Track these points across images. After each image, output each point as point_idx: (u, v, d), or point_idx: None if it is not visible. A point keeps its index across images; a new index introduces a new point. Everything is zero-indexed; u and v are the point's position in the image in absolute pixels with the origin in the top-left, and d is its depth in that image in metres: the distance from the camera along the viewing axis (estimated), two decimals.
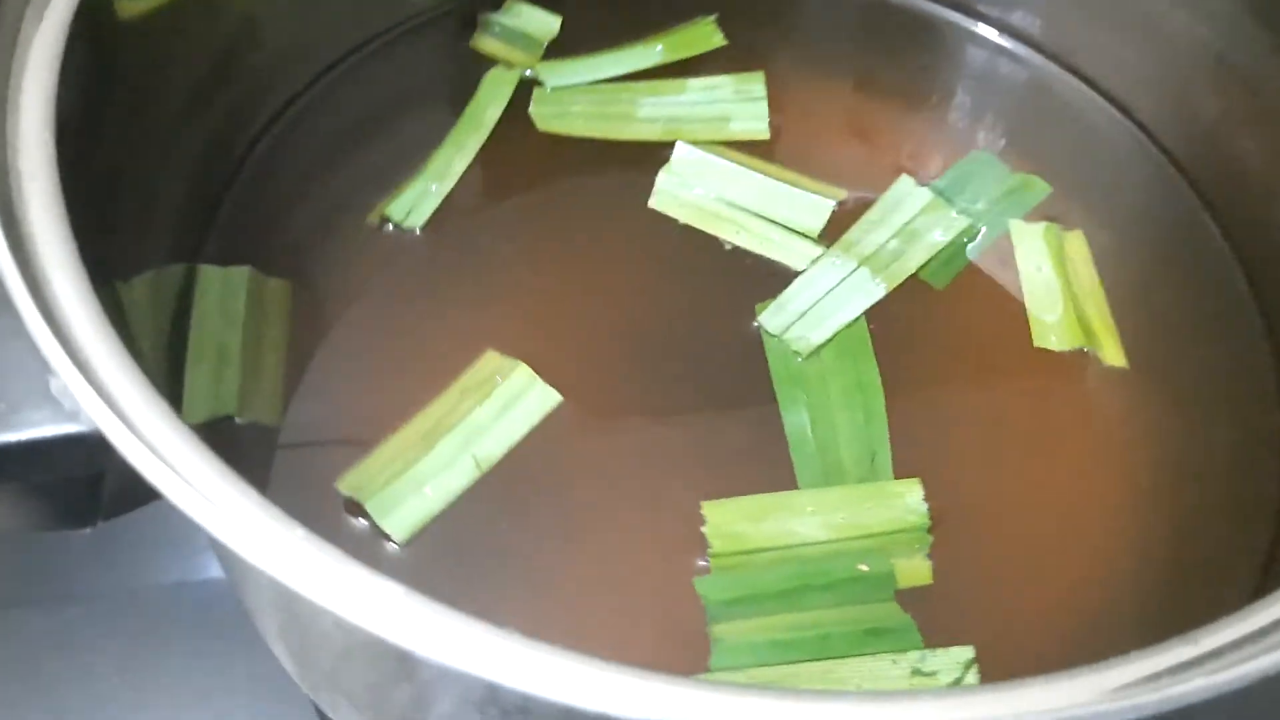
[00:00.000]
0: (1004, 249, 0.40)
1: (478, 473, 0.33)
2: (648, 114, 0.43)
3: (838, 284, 0.38)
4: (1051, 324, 0.38)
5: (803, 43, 0.46)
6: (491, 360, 0.35)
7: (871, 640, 0.31)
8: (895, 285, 0.39)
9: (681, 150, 0.41)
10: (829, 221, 0.40)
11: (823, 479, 0.34)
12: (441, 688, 0.24)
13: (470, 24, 0.44)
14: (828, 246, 0.39)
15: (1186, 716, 0.21)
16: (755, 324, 0.37)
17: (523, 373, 0.35)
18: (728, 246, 0.39)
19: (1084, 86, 0.44)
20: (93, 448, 0.24)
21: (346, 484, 0.33)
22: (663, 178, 0.40)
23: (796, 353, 0.36)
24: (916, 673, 0.30)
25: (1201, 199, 0.42)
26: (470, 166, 0.40)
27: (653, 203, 0.40)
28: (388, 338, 0.36)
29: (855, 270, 0.39)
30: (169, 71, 0.35)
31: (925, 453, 0.34)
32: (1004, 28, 0.45)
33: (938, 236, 0.40)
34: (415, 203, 0.39)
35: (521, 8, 0.44)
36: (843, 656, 0.31)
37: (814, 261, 0.39)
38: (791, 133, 0.43)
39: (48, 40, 0.28)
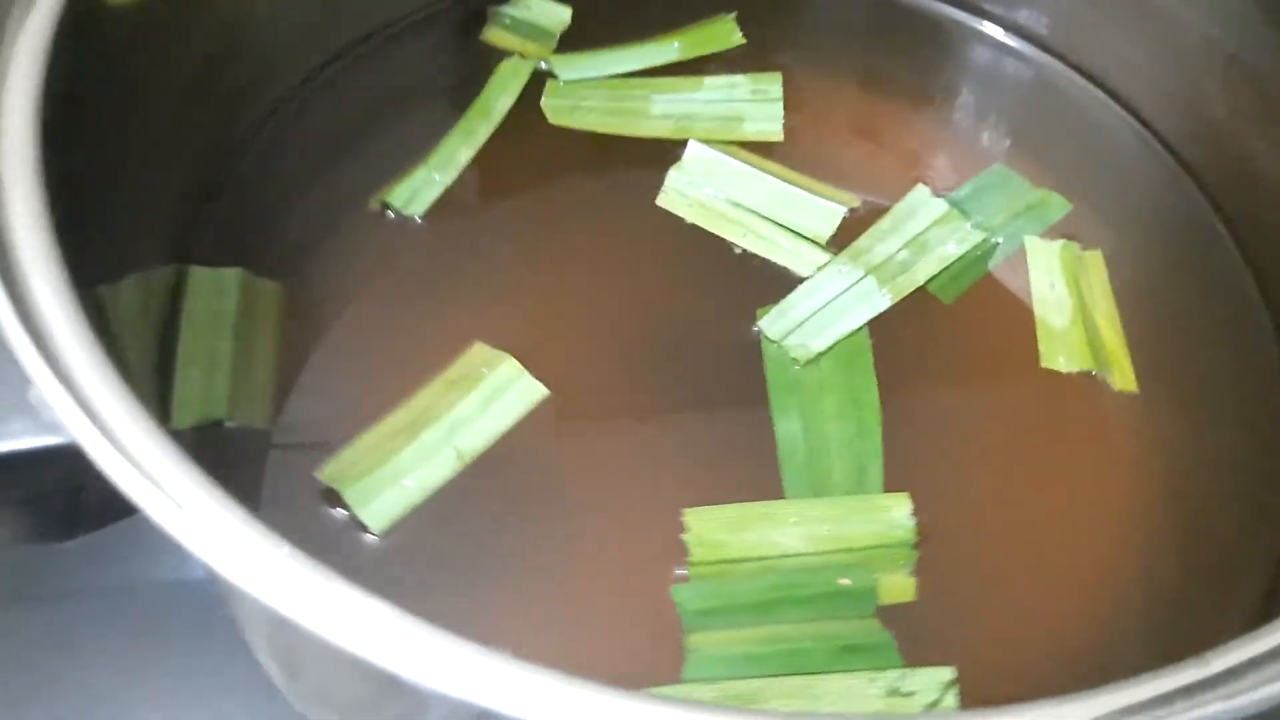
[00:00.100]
0: (1018, 265, 0.40)
1: (460, 465, 0.34)
2: (661, 111, 0.43)
3: (842, 292, 0.38)
4: (1061, 345, 0.38)
5: (813, 43, 0.46)
6: (480, 352, 0.36)
7: (849, 657, 0.31)
8: (902, 297, 0.38)
9: (694, 149, 0.41)
10: (840, 227, 0.40)
11: (810, 490, 0.34)
12: (431, 707, 0.24)
13: (474, 19, 0.44)
14: (836, 253, 0.39)
15: None
16: (755, 329, 0.37)
17: (510, 365, 0.35)
18: (737, 250, 0.39)
19: (1090, 85, 0.44)
20: (72, 460, 0.24)
21: (326, 473, 0.33)
22: (673, 175, 0.41)
23: (795, 360, 0.36)
24: (894, 692, 0.30)
25: (1209, 199, 0.42)
26: (477, 157, 0.41)
27: (660, 200, 0.40)
28: (382, 336, 0.37)
29: (862, 279, 0.39)
30: (160, 71, 0.35)
31: (919, 468, 0.34)
32: (1010, 26, 0.45)
33: (950, 249, 0.40)
34: (417, 190, 0.40)
35: (532, 0, 0.44)
36: (818, 673, 0.31)
37: (820, 268, 0.39)
38: (806, 135, 0.43)
39: (33, 40, 0.28)
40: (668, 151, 0.41)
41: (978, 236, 0.40)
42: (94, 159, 0.31)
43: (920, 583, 0.32)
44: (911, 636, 0.31)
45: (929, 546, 0.33)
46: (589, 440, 0.35)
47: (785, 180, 0.41)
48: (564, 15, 0.44)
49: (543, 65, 0.43)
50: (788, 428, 0.35)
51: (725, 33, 0.45)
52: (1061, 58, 0.45)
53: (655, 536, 0.33)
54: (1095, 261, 0.40)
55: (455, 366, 0.35)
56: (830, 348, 0.37)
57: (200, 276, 0.36)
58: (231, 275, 0.36)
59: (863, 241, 0.40)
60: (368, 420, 0.34)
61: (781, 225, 0.40)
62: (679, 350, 0.37)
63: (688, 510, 0.33)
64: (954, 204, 0.41)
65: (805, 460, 0.34)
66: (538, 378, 0.35)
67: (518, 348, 0.36)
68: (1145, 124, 0.43)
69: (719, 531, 0.32)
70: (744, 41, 0.45)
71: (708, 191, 0.40)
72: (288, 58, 0.41)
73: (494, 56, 0.43)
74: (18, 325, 0.24)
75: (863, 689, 0.30)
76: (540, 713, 0.20)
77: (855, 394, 0.36)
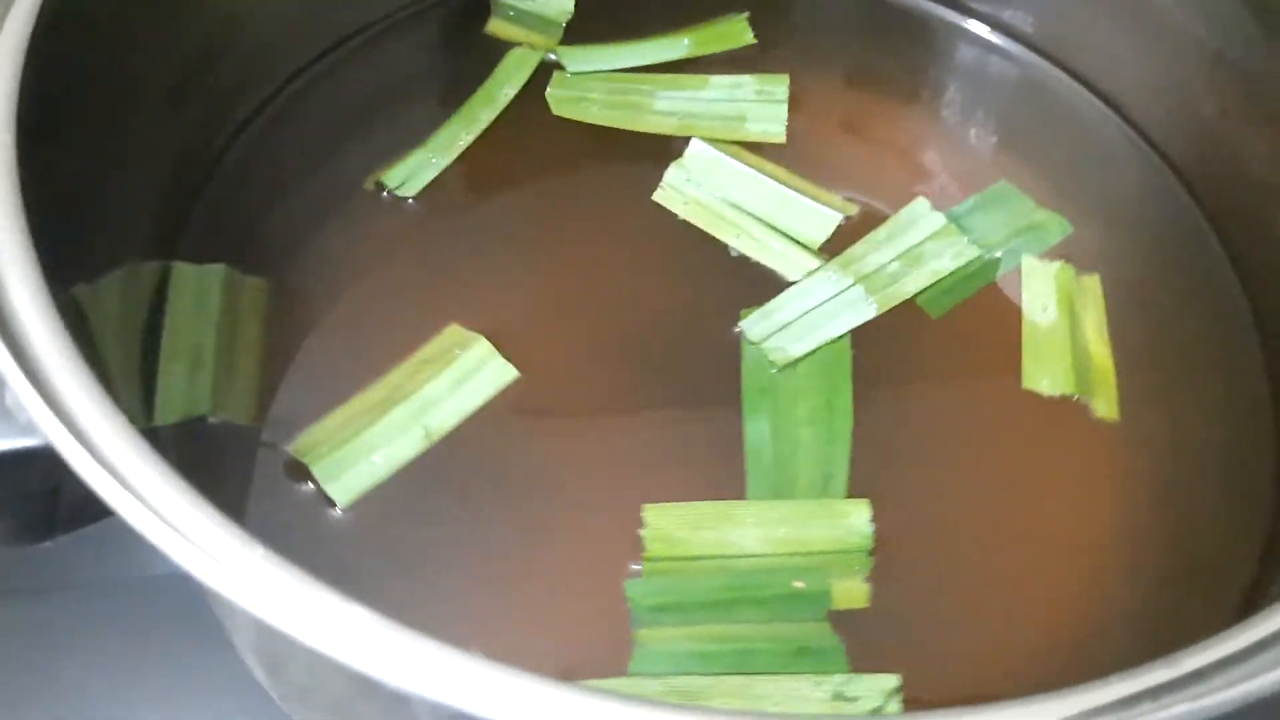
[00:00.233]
0: (1011, 284, 0.41)
1: (427, 443, 0.35)
2: (664, 107, 0.44)
3: (828, 299, 0.39)
4: (1046, 367, 0.39)
5: (807, 42, 0.47)
6: (454, 333, 0.37)
7: (796, 660, 0.32)
8: (888, 308, 0.39)
9: (696, 146, 0.42)
10: (836, 234, 0.41)
11: (773, 493, 0.35)
12: (409, 707, 0.25)
13: (477, 12, 0.46)
14: (828, 260, 0.40)
15: None
16: (737, 330, 0.38)
17: (481, 346, 0.36)
18: (734, 253, 0.41)
19: (1076, 84, 0.46)
20: (48, 462, 0.24)
21: (296, 447, 0.35)
22: (671, 172, 0.42)
23: (772, 363, 0.38)
24: (838, 696, 0.31)
25: (1194, 198, 0.43)
26: (476, 143, 0.42)
27: (657, 196, 0.41)
28: (367, 318, 0.38)
29: (850, 287, 0.40)
30: (145, 68, 0.36)
31: (885, 478, 0.35)
32: (997, 25, 0.47)
33: (943, 264, 0.41)
34: (413, 172, 0.41)
35: None
36: (765, 673, 0.32)
37: (810, 274, 0.40)
38: (808, 137, 0.44)
39: (12, 34, 0.29)
40: (669, 148, 0.43)
41: (973, 253, 0.41)
42: (75, 157, 0.32)
43: (874, 590, 0.33)
44: (862, 643, 0.32)
45: (886, 555, 0.34)
46: (558, 428, 0.36)
47: (784, 183, 0.42)
48: (567, 5, 0.45)
49: (551, 57, 0.45)
50: (757, 430, 0.36)
51: (737, 32, 0.46)
52: (1047, 55, 0.46)
53: (614, 529, 0.34)
54: (1093, 286, 0.41)
55: (429, 346, 0.37)
56: (809, 353, 0.38)
57: (184, 273, 0.37)
58: (215, 272, 0.37)
59: (856, 249, 0.41)
60: (344, 399, 0.36)
61: (775, 228, 0.41)
62: (658, 345, 0.38)
63: (648, 506, 0.34)
64: (953, 219, 0.42)
65: (771, 463, 0.35)
66: (514, 363, 0.36)
67: (496, 332, 0.37)
68: (1130, 122, 0.45)
69: (677, 528, 0.33)
70: (755, 41, 0.46)
71: (705, 190, 0.42)
72: (279, 53, 0.42)
73: (495, 50, 0.45)
74: None
75: (807, 692, 0.31)
76: (517, 715, 0.20)
77: (829, 401, 0.37)
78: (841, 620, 0.33)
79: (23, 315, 0.25)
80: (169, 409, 0.34)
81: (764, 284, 0.40)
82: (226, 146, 0.41)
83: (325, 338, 0.37)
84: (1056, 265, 0.41)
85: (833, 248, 0.41)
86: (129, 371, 0.34)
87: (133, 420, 0.24)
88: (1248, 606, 0.34)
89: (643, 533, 0.34)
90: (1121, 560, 0.35)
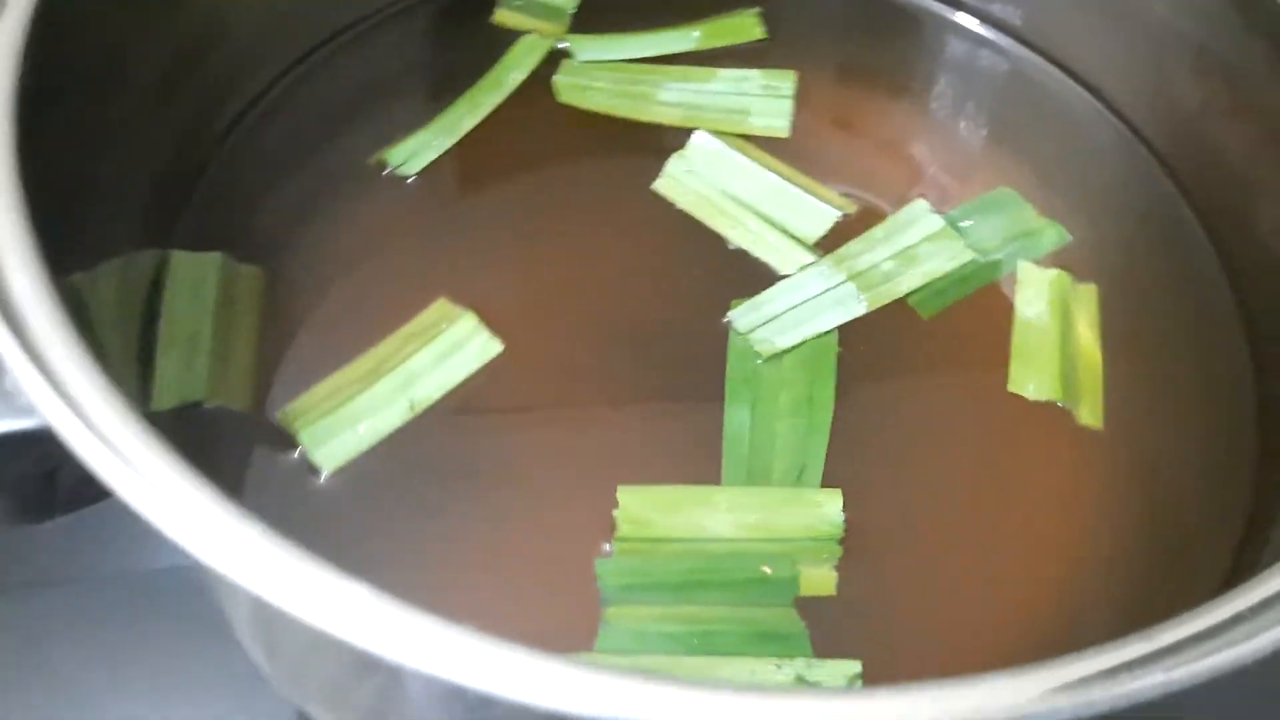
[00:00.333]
0: (1005, 289, 0.42)
1: (411, 414, 0.36)
2: (669, 98, 0.45)
3: (819, 294, 0.40)
4: (1033, 372, 0.39)
5: (826, 42, 0.48)
6: (441, 307, 0.38)
7: (760, 643, 0.33)
8: (879, 306, 0.40)
9: (699, 138, 0.44)
10: (833, 231, 0.42)
11: (748, 481, 0.36)
12: (405, 684, 0.26)
13: (468, 6, 0.47)
14: (823, 255, 0.41)
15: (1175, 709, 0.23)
16: (725, 320, 0.40)
17: (468, 320, 0.38)
18: (732, 246, 0.42)
19: (1065, 77, 0.47)
20: (46, 444, 0.25)
21: (284, 415, 0.36)
22: (673, 162, 0.43)
23: (757, 354, 0.39)
24: (799, 680, 0.32)
25: (1181, 190, 0.44)
26: (480, 126, 0.44)
27: (657, 185, 0.43)
28: (362, 308, 0.39)
29: (841, 284, 0.41)
30: (138, 58, 0.37)
31: (860, 471, 0.36)
32: (985, 17, 0.48)
33: (937, 265, 0.42)
34: (416, 151, 0.42)
35: None
36: (728, 655, 0.33)
37: (803, 268, 0.41)
38: (814, 135, 0.45)
39: (8, 29, 0.30)
40: (671, 140, 0.44)
41: (968, 256, 0.42)
42: (72, 146, 0.33)
43: (842, 579, 0.34)
44: (827, 630, 0.33)
45: (857, 545, 0.35)
46: (540, 407, 0.37)
47: (785, 178, 0.43)
48: None
49: (561, 45, 0.46)
50: (737, 418, 0.37)
51: (747, 26, 0.48)
52: (1035, 49, 0.47)
53: (588, 509, 0.35)
54: (1089, 295, 0.42)
55: (417, 320, 0.38)
56: (795, 346, 0.39)
57: (181, 260, 0.38)
58: (211, 260, 0.38)
59: (851, 247, 0.42)
60: (334, 370, 0.37)
61: (772, 222, 0.42)
62: (646, 331, 0.39)
63: (622, 487, 0.35)
64: (951, 222, 0.43)
65: (748, 451, 0.36)
66: (502, 341, 0.38)
67: (485, 310, 0.38)
68: (1119, 115, 0.46)
69: (649, 510, 0.35)
70: (766, 36, 0.47)
71: (705, 181, 0.43)
72: (276, 43, 0.44)
73: (496, 43, 0.46)
74: None
75: (769, 674, 0.32)
76: (513, 688, 0.21)
77: (811, 393, 0.38)
78: (808, 607, 0.34)
79: (21, 300, 0.26)
80: (165, 395, 0.35)
81: (757, 277, 0.41)
82: (223, 136, 0.42)
83: (320, 322, 0.39)
84: (1053, 272, 0.42)
85: (831, 245, 0.42)
86: (126, 358, 0.35)
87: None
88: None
89: (615, 514, 0.35)
90: (1098, 560, 0.36)
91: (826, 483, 0.36)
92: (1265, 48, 0.40)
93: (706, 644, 0.33)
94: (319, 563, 0.22)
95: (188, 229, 0.40)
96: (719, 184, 0.43)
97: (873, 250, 0.42)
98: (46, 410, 0.24)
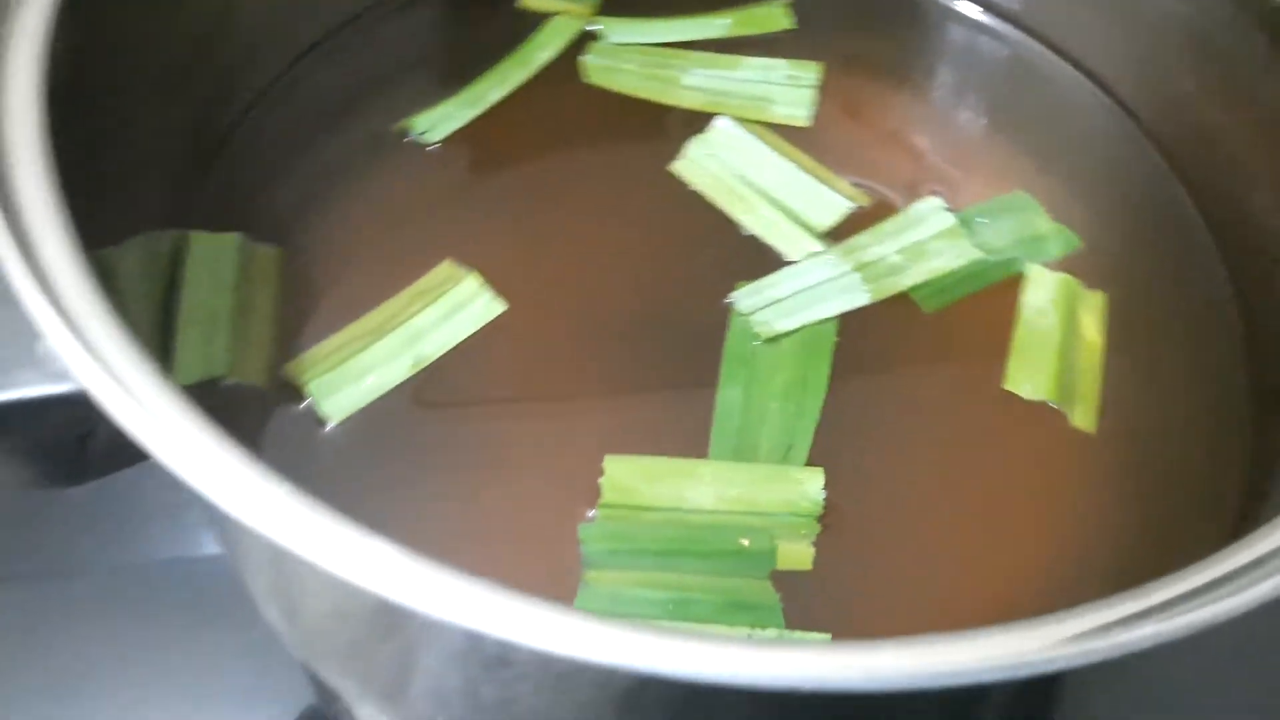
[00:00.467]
0: (1010, 290, 0.43)
1: (415, 369, 0.39)
2: (693, 83, 0.47)
3: (823, 281, 0.42)
4: (1031, 372, 0.41)
5: (853, 34, 0.50)
6: (447, 268, 0.41)
7: (733, 612, 0.35)
8: (882, 297, 0.42)
9: (722, 122, 0.46)
10: (848, 223, 0.44)
11: (734, 457, 0.37)
12: (424, 641, 0.27)
13: None
14: (832, 245, 0.43)
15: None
16: (728, 301, 0.41)
17: (472, 281, 0.40)
18: (745, 232, 0.44)
19: (1065, 63, 0.49)
20: (80, 407, 0.26)
21: (292, 368, 0.38)
22: (693, 145, 0.45)
23: (756, 335, 0.41)
24: None
25: (1180, 176, 0.46)
26: (504, 101, 0.46)
27: (674, 166, 0.45)
28: (376, 276, 0.41)
29: (846, 274, 0.42)
30: (161, 35, 0.39)
31: (847, 454, 0.38)
32: (987, 5, 0.50)
33: (943, 262, 0.43)
34: (439, 120, 0.45)
35: None
36: (701, 622, 0.35)
37: (810, 256, 0.43)
38: (834, 126, 0.47)
39: (32, 19, 0.31)
40: (693, 124, 0.46)
41: (975, 255, 0.43)
42: (93, 128, 0.34)
43: (819, 555, 0.36)
44: (800, 604, 0.35)
45: (836, 523, 0.36)
46: (538, 371, 0.39)
47: (801, 167, 0.45)
48: None
49: (592, 27, 0.48)
50: (730, 396, 0.39)
51: (776, 16, 0.49)
52: (1036, 35, 0.49)
53: (576, 474, 0.37)
54: (1096, 302, 0.43)
55: (423, 280, 0.40)
56: (794, 331, 0.41)
57: (201, 241, 0.39)
58: (230, 240, 0.40)
59: (860, 238, 0.44)
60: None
61: (784, 209, 0.44)
62: (650, 308, 0.41)
63: (609, 456, 0.37)
64: (964, 220, 0.44)
65: (737, 428, 0.38)
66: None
67: (492, 275, 0.41)
68: (1118, 101, 0.47)
69: (634, 479, 0.37)
70: (795, 27, 0.49)
71: (723, 165, 0.45)
72: (293, 26, 0.46)
73: (519, 27, 0.48)
74: (29, 280, 0.26)
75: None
76: (530, 636, 0.23)
77: (805, 377, 0.40)
78: (783, 580, 0.36)
79: (55, 270, 0.27)
80: (186, 371, 0.37)
81: (765, 263, 0.42)
82: (243, 115, 0.44)
83: (339, 297, 0.41)
84: (1062, 276, 0.43)
85: (841, 235, 0.44)
86: (148, 334, 0.36)
87: None
88: None
89: (601, 481, 0.37)
90: (1078, 554, 0.37)
91: (812, 463, 0.38)
92: (1265, 39, 0.41)
93: (682, 610, 0.35)
94: (345, 520, 0.24)
95: (207, 209, 0.42)
96: (736, 169, 0.45)
97: (881, 243, 0.43)
98: (82, 374, 0.25)
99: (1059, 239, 0.44)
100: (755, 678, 0.23)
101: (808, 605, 0.35)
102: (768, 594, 0.35)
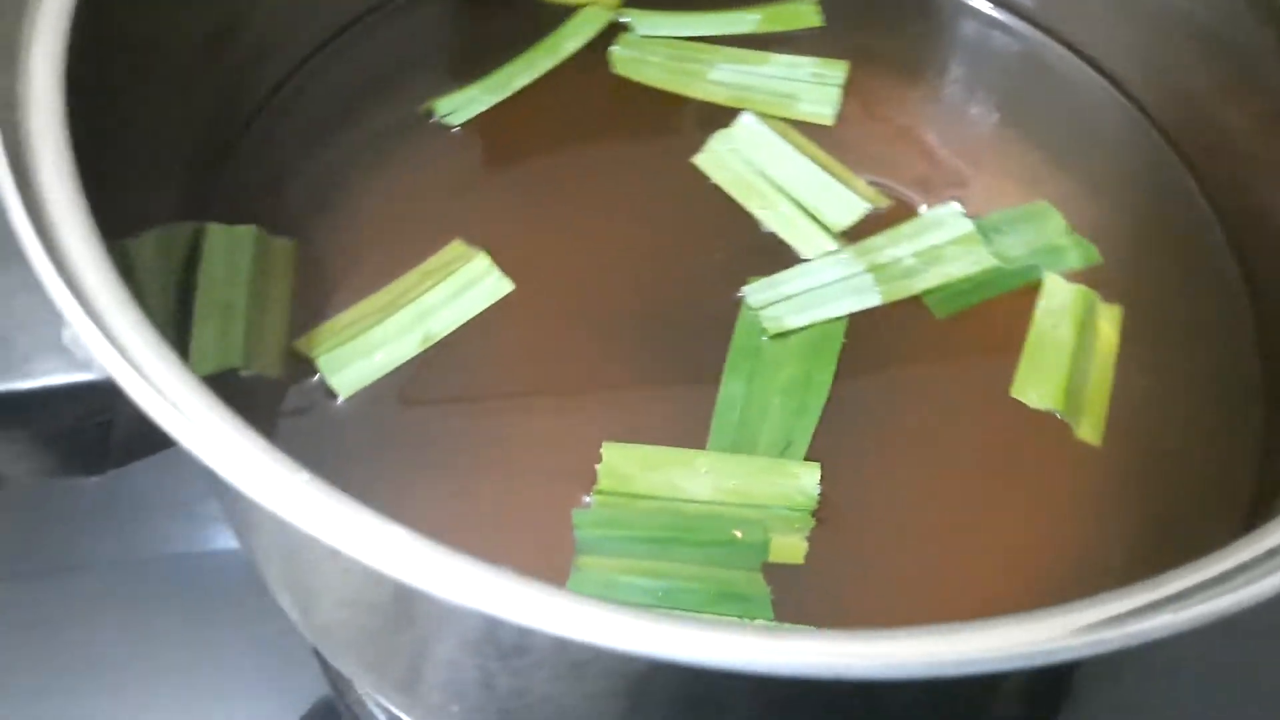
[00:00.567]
0: (1024, 299, 0.43)
1: (423, 346, 0.40)
2: (720, 77, 0.48)
3: (835, 280, 0.43)
4: (1039, 381, 0.41)
5: (880, 34, 0.50)
6: (457, 247, 0.42)
7: (723, 603, 0.36)
8: (894, 300, 0.43)
9: (746, 118, 0.46)
10: (865, 224, 0.45)
11: (732, 449, 0.38)
12: (441, 629, 0.28)
13: None
14: (847, 244, 0.44)
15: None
16: (739, 295, 0.42)
17: (481, 260, 0.41)
18: (764, 228, 0.44)
19: (1076, 58, 0.49)
20: (103, 395, 0.27)
21: (303, 342, 0.40)
22: (717, 139, 0.46)
23: (764, 330, 0.41)
24: None
25: (1191, 171, 0.46)
26: (529, 88, 0.47)
27: (696, 159, 0.45)
28: (395, 274, 0.42)
29: (859, 274, 0.43)
30: (177, 29, 0.39)
31: (845, 452, 0.39)
32: (1000, 1, 0.50)
33: (958, 268, 0.43)
34: (463, 104, 0.46)
35: None
36: (691, 611, 0.36)
37: (825, 254, 0.44)
38: (859, 126, 0.47)
39: (53, 11, 0.32)
40: (718, 119, 0.46)
41: (990, 263, 0.44)
42: (111, 120, 0.35)
43: (812, 550, 0.37)
44: (791, 597, 0.36)
45: (830, 519, 0.37)
46: (543, 353, 0.40)
47: (822, 166, 0.46)
48: None
49: (622, 19, 0.49)
50: (733, 388, 0.40)
51: (805, 14, 0.50)
52: (1048, 31, 0.50)
53: (573, 460, 0.38)
54: (1114, 315, 0.43)
55: (433, 258, 0.41)
56: (803, 328, 0.41)
57: (217, 233, 0.40)
58: (246, 233, 0.40)
59: (876, 240, 0.44)
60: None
61: (802, 207, 0.45)
62: (661, 299, 0.42)
63: (607, 443, 0.38)
64: (982, 228, 0.45)
65: (738, 421, 0.39)
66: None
67: (504, 258, 0.42)
68: (1130, 97, 0.48)
69: (631, 467, 0.37)
70: (823, 24, 0.50)
71: (745, 160, 0.45)
72: (312, 16, 0.47)
73: (543, 20, 0.48)
74: (52, 270, 0.27)
75: None
76: (548, 621, 0.23)
77: (809, 374, 0.40)
78: (775, 573, 0.36)
79: (76, 260, 0.27)
80: (202, 362, 0.38)
81: (779, 260, 0.43)
82: (261, 107, 0.45)
83: (354, 287, 0.42)
84: (1079, 288, 0.43)
85: (858, 235, 0.44)
86: (165, 326, 0.37)
87: None
88: None
89: (598, 467, 0.37)
90: (1075, 563, 0.38)
91: (811, 460, 0.38)
92: (1275, 35, 0.42)
93: (671, 599, 0.36)
94: (362, 506, 0.24)
95: (224, 201, 0.43)
96: (758, 164, 0.45)
97: (897, 245, 0.44)
98: (106, 362, 0.26)
99: (1078, 250, 0.45)
100: (773, 666, 0.24)
101: (798, 599, 0.36)
102: (758, 586, 0.36)
